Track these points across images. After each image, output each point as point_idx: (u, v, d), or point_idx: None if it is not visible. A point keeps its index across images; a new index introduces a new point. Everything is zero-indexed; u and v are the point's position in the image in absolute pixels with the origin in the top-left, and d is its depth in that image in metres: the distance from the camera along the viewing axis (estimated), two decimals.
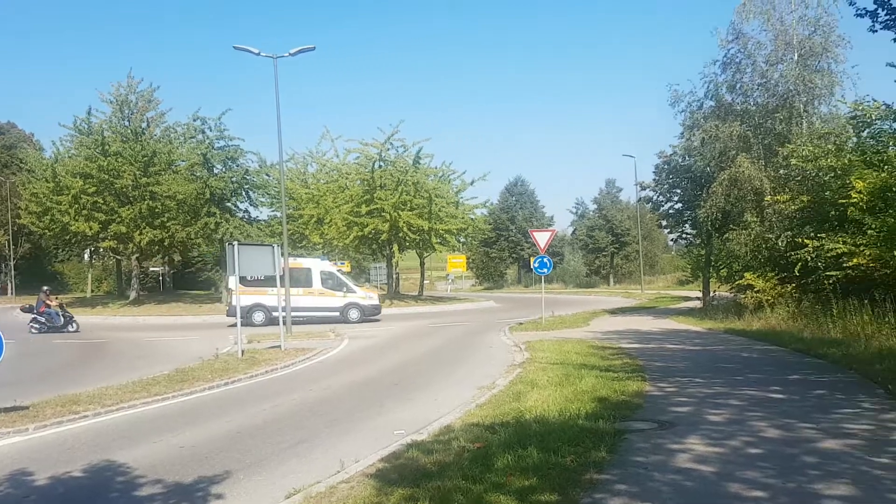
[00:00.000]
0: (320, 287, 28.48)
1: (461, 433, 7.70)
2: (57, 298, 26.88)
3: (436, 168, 41.86)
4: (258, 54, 23.71)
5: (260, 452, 7.87)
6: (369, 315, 28.91)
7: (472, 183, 42.42)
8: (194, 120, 37.65)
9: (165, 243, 37.12)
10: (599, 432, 7.40)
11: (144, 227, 35.22)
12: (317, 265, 29.51)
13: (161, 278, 55.45)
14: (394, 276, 46.90)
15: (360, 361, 16.12)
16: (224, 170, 37.88)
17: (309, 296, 27.84)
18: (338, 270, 31.27)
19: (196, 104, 47.06)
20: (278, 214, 37.54)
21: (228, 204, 38.58)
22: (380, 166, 39.03)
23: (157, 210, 35.01)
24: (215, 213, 36.34)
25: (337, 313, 28.01)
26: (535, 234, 26.47)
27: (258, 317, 27.08)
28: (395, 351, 18.00)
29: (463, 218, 40.96)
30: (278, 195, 32.97)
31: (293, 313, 25.34)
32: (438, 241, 39.44)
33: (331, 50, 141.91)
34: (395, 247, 39.41)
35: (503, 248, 74.46)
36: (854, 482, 5.60)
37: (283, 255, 20.49)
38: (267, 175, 39.68)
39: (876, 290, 15.90)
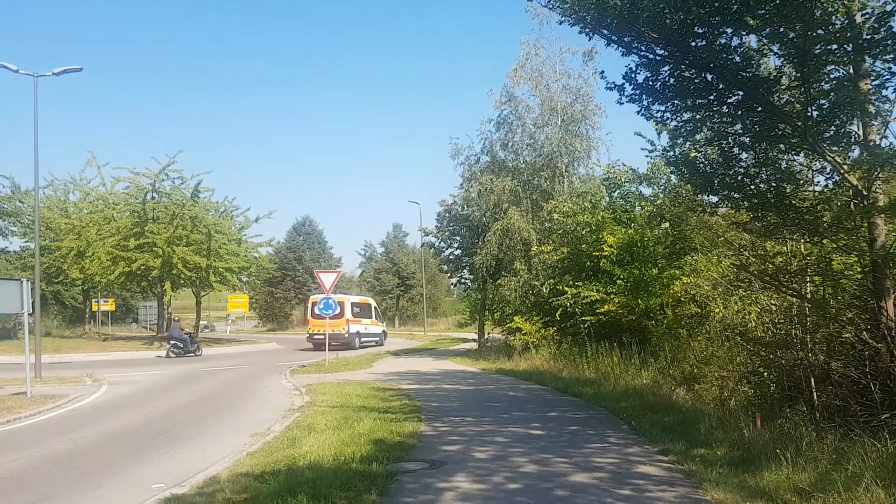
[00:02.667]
0: (373, 318, 38.02)
1: (227, 484, 7.30)
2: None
3: (217, 203, 40.09)
4: (17, 71, 21.45)
5: None
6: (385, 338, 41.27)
7: (256, 220, 41.19)
8: None
9: None
10: (372, 475, 7.41)
11: None
12: (372, 301, 41.32)
13: None
14: (165, 317, 43.76)
15: (119, 410, 14.70)
16: None
17: (371, 325, 37.88)
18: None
19: None
20: (32, 246, 33.56)
21: None
22: (153, 198, 36.52)
23: None
24: None
25: (378, 338, 38.37)
26: (320, 274, 26.25)
27: (357, 342, 35.96)
28: (161, 398, 16.67)
29: (245, 256, 39.48)
30: (33, 224, 29.52)
31: (363, 339, 37.07)
32: (217, 279, 37.56)
33: (103, 73, 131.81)
34: (168, 284, 36.86)
35: (289, 289, 72.83)
36: None
37: (34, 290, 18.34)
38: (20, 202, 35.57)
39: (623, 333, 17.70)
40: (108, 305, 48.83)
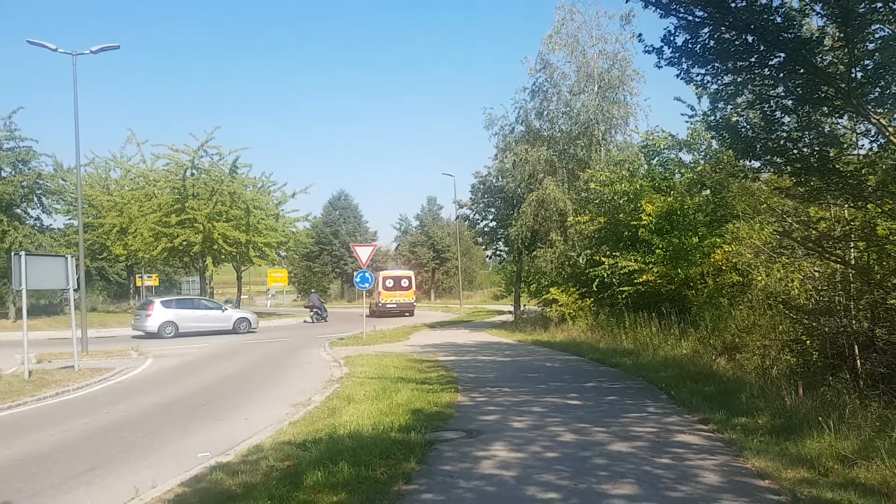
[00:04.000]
0: (413, 289, 42.52)
1: (271, 452, 7.48)
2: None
3: (254, 178, 40.60)
4: (55, 50, 21.84)
5: (44, 482, 7.16)
6: None
7: (293, 195, 41.69)
8: None
9: None
10: (411, 444, 7.52)
11: None
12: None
13: None
14: (208, 291, 44.63)
15: (165, 381, 15.13)
16: (13, 173, 34.06)
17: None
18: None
19: None
20: (75, 223, 34.40)
21: (18, 210, 34.73)
22: (192, 174, 37.09)
23: None
24: (2, 220, 32.63)
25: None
26: (356, 248, 26.43)
27: (414, 310, 42.08)
28: (205, 370, 17.10)
29: (283, 231, 40.00)
30: (75, 202, 30.19)
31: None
32: (257, 254, 38.19)
33: (139, 50, 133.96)
34: (209, 259, 37.57)
35: (326, 263, 73.56)
36: (638, 481, 6.09)
37: (78, 266, 18.86)
38: (63, 180, 36.25)
39: (662, 304, 17.43)
40: (151, 280, 50.01)
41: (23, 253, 15.42)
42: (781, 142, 8.76)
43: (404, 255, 76.95)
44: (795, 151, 8.71)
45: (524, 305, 32.07)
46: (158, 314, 27.37)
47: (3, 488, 6.90)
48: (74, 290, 17.46)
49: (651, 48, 8.27)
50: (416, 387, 11.84)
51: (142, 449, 8.67)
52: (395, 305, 40.93)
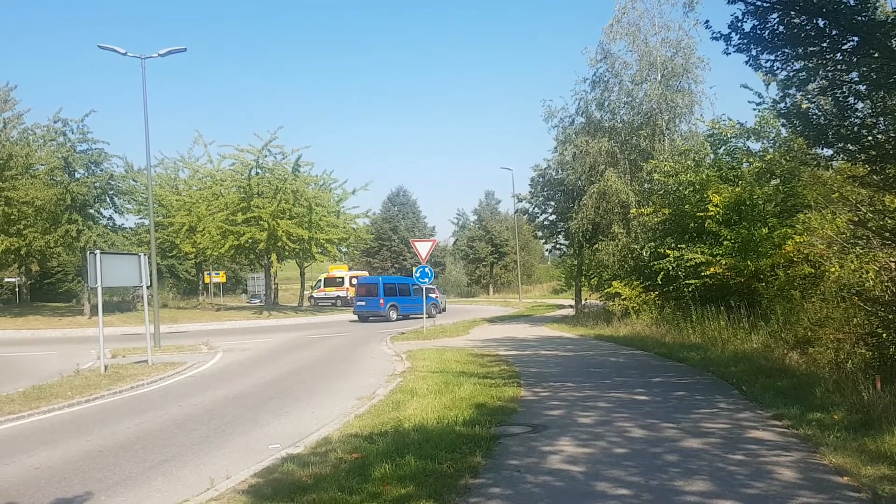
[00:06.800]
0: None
1: (339, 444, 7.61)
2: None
3: (316, 176, 41.29)
4: (125, 54, 22.61)
5: (123, 472, 7.44)
6: None
7: (353, 192, 42.29)
8: (55, 121, 34.83)
9: (22, 252, 34.22)
10: (476, 438, 7.54)
11: None
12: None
13: (17, 290, 51.26)
14: (272, 287, 45.71)
15: (234, 375, 15.56)
16: (87, 174, 35.40)
17: None
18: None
19: (57, 105, 43.79)
20: (146, 222, 35.66)
21: (91, 210, 36.11)
22: (257, 173, 38.01)
23: (12, 217, 32.01)
24: (77, 220, 33.99)
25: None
26: (416, 244, 26.59)
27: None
28: (271, 364, 17.52)
29: (344, 227, 40.60)
30: (146, 202, 31.28)
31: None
32: (319, 250, 38.86)
33: (204, 53, 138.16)
34: (274, 256, 38.46)
35: (386, 258, 74.37)
36: (711, 478, 5.96)
37: (150, 264, 19.53)
38: (134, 180, 37.55)
39: (731, 297, 16.94)
40: (219, 277, 51.43)
41: (98, 252, 16.01)
42: (855, 128, 8.46)
43: (462, 249, 77.06)
44: (870, 138, 8.40)
45: (585, 299, 31.71)
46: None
47: (86, 478, 7.21)
48: (147, 287, 18.08)
49: (718, 35, 8.08)
50: (478, 381, 11.86)
51: (214, 440, 8.93)
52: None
